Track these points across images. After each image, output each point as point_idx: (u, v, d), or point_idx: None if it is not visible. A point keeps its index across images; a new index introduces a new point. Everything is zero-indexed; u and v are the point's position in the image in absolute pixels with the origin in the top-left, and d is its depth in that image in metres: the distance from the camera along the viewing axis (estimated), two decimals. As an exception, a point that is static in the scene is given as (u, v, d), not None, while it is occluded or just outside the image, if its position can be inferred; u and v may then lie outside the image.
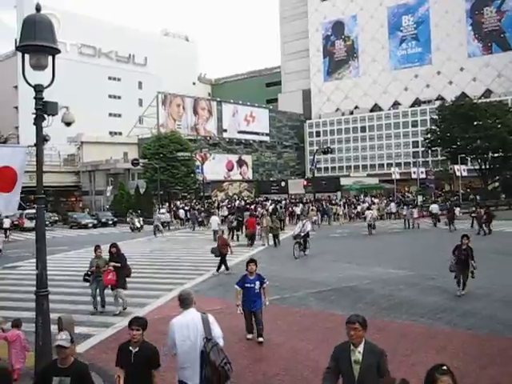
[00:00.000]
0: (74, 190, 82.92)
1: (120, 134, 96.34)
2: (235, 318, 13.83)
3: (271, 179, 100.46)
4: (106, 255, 15.59)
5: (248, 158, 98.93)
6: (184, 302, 7.31)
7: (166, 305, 15.86)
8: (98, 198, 75.25)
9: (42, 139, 9.42)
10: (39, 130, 9.37)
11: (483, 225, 35.06)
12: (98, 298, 15.24)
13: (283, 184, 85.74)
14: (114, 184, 70.56)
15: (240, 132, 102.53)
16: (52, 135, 12.61)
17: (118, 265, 14.94)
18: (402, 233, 38.89)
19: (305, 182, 62.68)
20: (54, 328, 10.08)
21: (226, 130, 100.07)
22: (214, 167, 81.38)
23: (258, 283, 11.39)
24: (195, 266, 24.01)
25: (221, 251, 21.83)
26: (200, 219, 48.70)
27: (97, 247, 15.60)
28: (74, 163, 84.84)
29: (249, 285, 11.35)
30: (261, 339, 11.49)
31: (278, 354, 10.82)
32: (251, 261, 11.71)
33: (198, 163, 67.41)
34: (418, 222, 42.30)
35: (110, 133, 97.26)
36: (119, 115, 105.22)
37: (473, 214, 39.74)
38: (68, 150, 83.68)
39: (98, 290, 15.16)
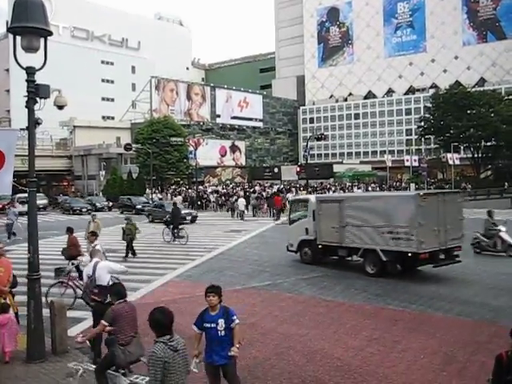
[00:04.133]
0: (66, 174, 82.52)
1: (113, 118, 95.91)
2: (228, 303, 13.84)
3: (264, 165, 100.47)
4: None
5: (241, 144, 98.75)
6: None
7: (159, 289, 15.92)
8: (91, 183, 75.00)
9: (33, 122, 9.37)
10: (31, 113, 9.31)
11: None
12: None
13: (276, 170, 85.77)
14: (106, 169, 70.28)
15: (233, 118, 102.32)
16: (44, 119, 12.52)
17: None
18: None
19: (298, 169, 62.51)
20: (45, 312, 10.09)
21: (219, 116, 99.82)
22: (207, 153, 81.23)
23: (221, 322, 7.12)
24: (187, 251, 24.02)
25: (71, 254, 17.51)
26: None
27: None
28: (66, 147, 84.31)
29: (209, 324, 7.14)
30: None
31: (270, 338, 10.86)
32: (210, 289, 7.27)
33: (191, 148, 67.25)
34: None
35: (103, 117, 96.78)
36: (112, 99, 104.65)
37: None
38: (60, 134, 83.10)
39: None
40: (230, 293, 15.20)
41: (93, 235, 13.88)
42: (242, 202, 42.09)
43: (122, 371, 7.38)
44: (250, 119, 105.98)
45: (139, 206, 49.71)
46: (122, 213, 50.37)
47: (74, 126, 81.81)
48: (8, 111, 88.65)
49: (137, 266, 19.35)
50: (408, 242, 16.14)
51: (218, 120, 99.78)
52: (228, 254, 22.98)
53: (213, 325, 7.10)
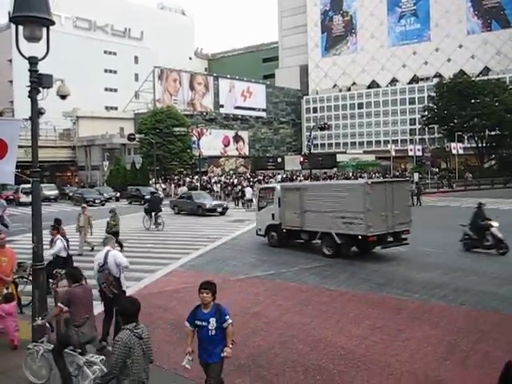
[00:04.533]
0: (69, 164, 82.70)
1: (116, 108, 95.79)
2: (232, 292, 13.92)
3: (267, 155, 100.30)
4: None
5: (244, 134, 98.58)
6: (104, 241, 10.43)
7: (162, 279, 15.96)
8: (94, 173, 75.11)
9: (36, 112, 9.36)
10: (34, 103, 9.30)
11: (414, 198, 39.22)
12: None
13: (279, 160, 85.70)
14: (109, 159, 70.34)
15: (237, 107, 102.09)
16: (47, 110, 12.57)
17: None
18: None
19: (301, 158, 62.43)
20: (50, 301, 10.15)
21: (222, 106, 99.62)
22: (210, 143, 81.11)
23: (213, 321, 6.87)
24: (192, 240, 24.07)
25: None
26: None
27: None
28: (69, 138, 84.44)
29: (200, 322, 6.91)
30: None
31: (274, 327, 10.89)
32: (205, 286, 7.07)
33: (194, 138, 67.25)
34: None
35: (106, 107, 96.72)
36: (115, 90, 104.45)
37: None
38: (63, 125, 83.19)
39: None
40: (233, 282, 15.30)
41: (54, 228, 13.98)
42: (249, 190, 42.54)
43: (79, 350, 7.67)
44: (253, 109, 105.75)
45: (148, 197, 48.71)
46: (130, 203, 49.93)
47: (77, 117, 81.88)
48: (11, 102, 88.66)
49: (140, 256, 19.43)
50: (358, 226, 17.73)
51: (221, 110, 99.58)
52: (231, 244, 23.01)
53: (204, 323, 6.86)
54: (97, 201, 49.06)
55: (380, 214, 17.73)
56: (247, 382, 8.27)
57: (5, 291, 10.22)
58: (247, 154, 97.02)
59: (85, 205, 24.04)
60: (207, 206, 36.60)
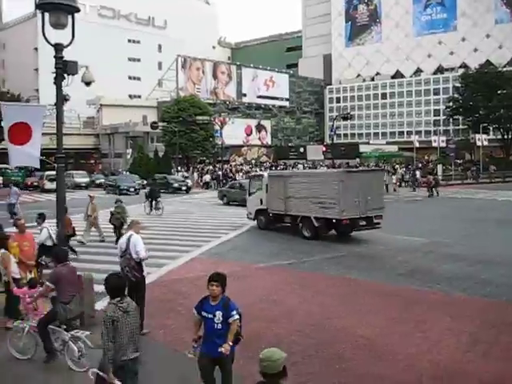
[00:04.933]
0: (93, 152, 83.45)
1: (139, 97, 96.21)
2: (252, 280, 13.99)
3: (290, 145, 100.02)
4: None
5: (267, 123, 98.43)
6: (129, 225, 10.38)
7: (184, 266, 16.09)
8: (117, 161, 75.69)
9: (61, 98, 9.49)
10: (59, 89, 9.43)
11: (432, 189, 41.05)
12: None
13: (302, 150, 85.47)
14: (133, 147, 70.79)
15: (259, 97, 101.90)
16: (72, 98, 12.68)
17: None
18: (416, 201, 38.63)
19: (323, 148, 62.29)
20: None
21: (245, 95, 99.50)
22: (232, 132, 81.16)
23: (219, 315, 6.57)
24: (214, 228, 24.19)
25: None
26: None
27: None
28: (93, 126, 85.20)
29: (206, 314, 6.66)
30: None
31: (293, 316, 10.91)
32: (215, 278, 6.67)
33: (216, 127, 67.34)
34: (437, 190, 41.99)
35: (130, 96, 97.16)
36: (138, 78, 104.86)
37: (423, 179, 46.67)
38: (87, 113, 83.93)
39: None
40: (253, 270, 15.37)
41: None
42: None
43: (64, 326, 8.11)
44: (276, 98, 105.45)
45: (176, 185, 48.02)
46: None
47: (101, 105, 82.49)
48: (36, 90, 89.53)
49: (163, 243, 19.57)
50: (332, 210, 19.55)
51: (244, 99, 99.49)
52: (254, 233, 23.06)
53: (210, 315, 6.60)
54: (131, 189, 46.85)
55: (353, 199, 19.38)
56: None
57: (28, 276, 10.40)
58: (269, 143, 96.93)
59: (92, 193, 23.37)
60: None
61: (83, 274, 10.55)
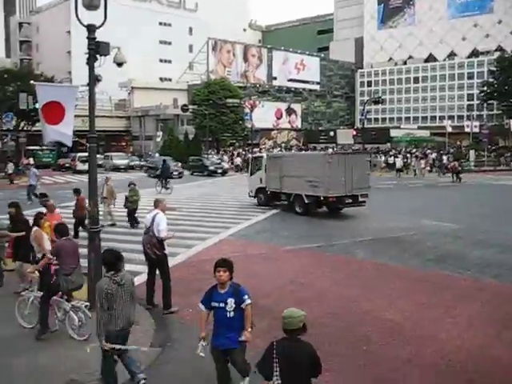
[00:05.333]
0: (124, 134, 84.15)
1: (170, 80, 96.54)
2: (280, 262, 14.04)
3: (320, 129, 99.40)
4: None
5: (297, 107, 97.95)
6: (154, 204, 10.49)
7: (212, 247, 16.21)
8: (148, 143, 76.20)
9: (94, 79, 9.59)
10: (91, 69, 9.55)
11: (456, 174, 40.90)
12: None
13: (332, 134, 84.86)
14: (163, 129, 71.19)
15: (290, 80, 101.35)
16: (103, 80, 12.80)
17: (17, 234, 11.27)
18: (448, 186, 38.16)
19: (354, 132, 61.71)
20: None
21: (275, 78, 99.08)
22: (262, 115, 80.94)
23: (231, 301, 6.33)
24: (242, 211, 24.31)
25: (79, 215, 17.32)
26: None
27: None
28: (124, 108, 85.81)
29: (217, 304, 6.38)
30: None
31: (322, 298, 10.94)
32: (221, 263, 6.51)
33: (246, 110, 67.28)
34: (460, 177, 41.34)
35: (161, 79, 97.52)
36: (169, 61, 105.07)
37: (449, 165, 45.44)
38: (119, 96, 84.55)
39: None
40: (282, 253, 15.41)
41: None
42: None
43: (65, 297, 8.63)
44: (307, 82, 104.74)
45: (212, 168, 47.35)
46: (192, 174, 48.44)
47: (132, 88, 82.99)
48: (69, 72, 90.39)
49: (192, 225, 19.77)
50: (320, 188, 21.61)
51: (275, 82, 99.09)
52: (282, 216, 23.09)
53: (221, 304, 6.30)
54: (175, 173, 43.81)
55: (339, 179, 21.41)
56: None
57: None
58: (299, 127, 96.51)
59: (108, 175, 23.45)
60: None
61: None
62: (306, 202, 22.55)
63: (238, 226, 19.94)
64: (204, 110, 62.28)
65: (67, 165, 55.64)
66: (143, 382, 6.83)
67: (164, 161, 36.63)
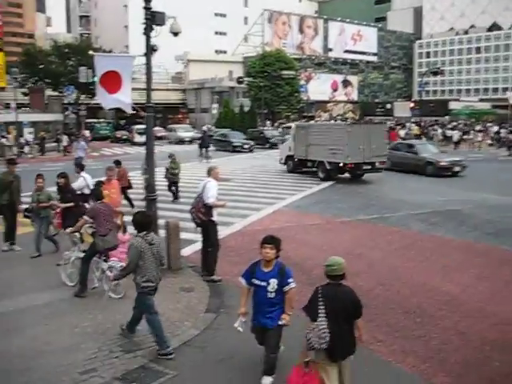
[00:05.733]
0: (180, 107, 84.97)
1: (225, 52, 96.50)
2: (335, 233, 14.02)
3: (376, 101, 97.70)
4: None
5: (353, 79, 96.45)
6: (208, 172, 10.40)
7: (267, 217, 16.33)
8: (203, 116, 76.74)
9: (150, 48, 9.76)
10: (148, 39, 9.72)
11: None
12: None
13: (389, 106, 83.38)
14: (218, 102, 71.51)
15: (346, 51, 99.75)
16: (160, 53, 12.94)
17: (66, 205, 11.62)
18: (508, 161, 36.96)
19: (411, 105, 60.33)
20: (161, 233, 10.70)
21: (331, 50, 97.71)
22: (318, 87, 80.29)
23: (274, 282, 5.97)
24: (297, 182, 24.30)
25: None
26: None
27: (38, 177, 12.08)
28: (180, 81, 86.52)
29: (258, 282, 6.05)
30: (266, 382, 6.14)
31: (376, 269, 10.90)
32: (269, 240, 6.03)
33: (302, 82, 66.75)
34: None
35: (216, 51, 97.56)
36: (224, 33, 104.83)
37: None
38: (175, 69, 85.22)
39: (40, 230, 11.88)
40: (337, 224, 15.38)
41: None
42: None
43: (104, 257, 9.22)
44: (364, 53, 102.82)
45: (273, 140, 46.13)
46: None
47: (188, 60, 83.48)
48: (126, 46, 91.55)
49: (247, 195, 19.97)
50: (340, 155, 23.53)
51: (331, 54, 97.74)
52: (337, 187, 22.99)
53: (263, 283, 5.96)
54: (245, 146, 43.04)
55: (357, 147, 23.19)
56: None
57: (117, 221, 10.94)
58: (356, 99, 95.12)
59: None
60: (441, 164, 26.19)
61: (169, 221, 10.96)
62: (328, 168, 24.38)
63: (292, 197, 20.00)
64: (259, 82, 62.16)
65: (124, 137, 56.73)
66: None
67: (204, 132, 37.18)
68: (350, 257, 11.73)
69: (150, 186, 10.28)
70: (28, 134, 43.04)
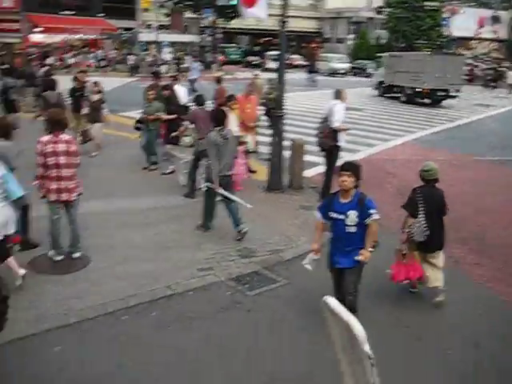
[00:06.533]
0: (315, 36, 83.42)
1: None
2: (463, 172, 13.37)
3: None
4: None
5: (505, 15, 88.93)
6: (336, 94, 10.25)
7: (394, 148, 16.00)
8: (338, 46, 74.97)
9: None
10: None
11: None
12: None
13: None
14: (355, 32, 69.45)
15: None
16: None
17: (169, 117, 11.48)
18: None
19: None
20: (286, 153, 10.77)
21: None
22: (462, 22, 74.81)
23: (353, 215, 5.32)
24: (429, 117, 23.43)
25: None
26: None
27: (149, 88, 12.16)
28: (317, 9, 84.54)
29: (336, 215, 5.41)
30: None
31: (503, 210, 10.38)
32: (346, 166, 5.39)
33: (445, 15, 62.92)
34: None
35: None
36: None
37: None
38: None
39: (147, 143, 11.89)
40: (471, 162, 14.65)
41: None
42: (510, 74, 38.78)
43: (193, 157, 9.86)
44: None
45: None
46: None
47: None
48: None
49: (377, 126, 19.62)
50: (418, 81, 26.65)
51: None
52: (470, 126, 21.82)
53: (341, 216, 5.33)
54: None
55: (435, 75, 25.88)
56: (465, 252, 8.08)
57: (249, 137, 11.13)
58: (505, 38, 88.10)
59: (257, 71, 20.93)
60: None
61: (294, 140, 10.96)
62: (408, 92, 27.65)
63: (423, 131, 19.36)
64: (399, 13, 59.32)
65: (255, 62, 56.95)
66: (245, 230, 7.90)
67: None
68: (474, 196, 11.16)
69: (277, 103, 10.31)
70: (168, 54, 44.49)
